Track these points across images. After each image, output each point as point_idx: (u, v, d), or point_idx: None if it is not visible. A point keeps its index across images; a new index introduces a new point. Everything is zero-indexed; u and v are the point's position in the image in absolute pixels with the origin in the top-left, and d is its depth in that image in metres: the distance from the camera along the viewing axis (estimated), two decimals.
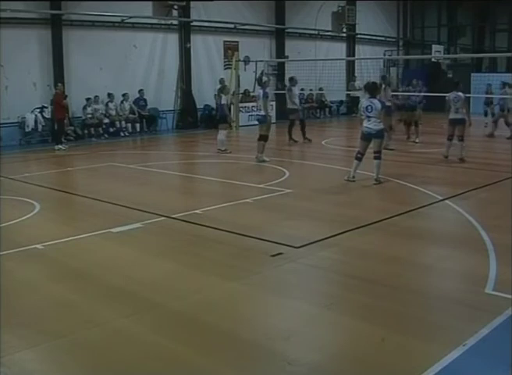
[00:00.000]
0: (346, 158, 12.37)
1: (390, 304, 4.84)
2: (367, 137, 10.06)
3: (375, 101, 9.99)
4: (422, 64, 28.29)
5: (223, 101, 14.21)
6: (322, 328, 4.52)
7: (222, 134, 13.89)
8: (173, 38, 20.04)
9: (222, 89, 14.58)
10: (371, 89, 10.18)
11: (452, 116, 12.35)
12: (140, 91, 18.62)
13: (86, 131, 17.43)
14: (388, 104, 12.98)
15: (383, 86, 13.58)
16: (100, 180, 11.17)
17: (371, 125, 9.90)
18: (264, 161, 12.20)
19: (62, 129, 15.84)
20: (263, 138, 12.36)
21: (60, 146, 15.31)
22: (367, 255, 6.15)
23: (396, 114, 15.08)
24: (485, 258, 5.83)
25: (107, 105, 17.98)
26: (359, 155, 10.07)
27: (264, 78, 12.87)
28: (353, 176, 10.01)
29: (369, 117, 9.90)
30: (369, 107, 9.89)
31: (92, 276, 5.58)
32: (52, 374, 3.88)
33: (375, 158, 9.98)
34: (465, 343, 4.01)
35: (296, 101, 16.07)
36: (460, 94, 12.29)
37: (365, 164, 10.12)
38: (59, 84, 15.69)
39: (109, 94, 17.88)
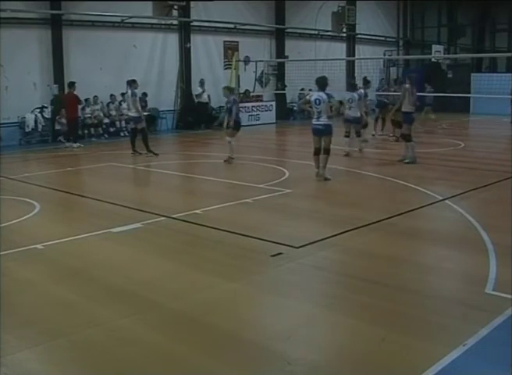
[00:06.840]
0: (346, 158, 12.38)
1: (390, 304, 4.83)
2: (316, 134, 10.09)
3: (322, 93, 9.88)
4: (422, 64, 28.29)
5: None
6: (322, 328, 4.52)
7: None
8: (173, 38, 20.05)
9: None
10: (322, 83, 10.02)
11: None
12: (144, 93, 18.61)
13: (86, 131, 17.45)
14: None
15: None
16: (100, 180, 11.17)
17: (320, 121, 9.87)
18: None
19: (75, 128, 15.93)
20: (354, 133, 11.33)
21: (72, 144, 15.41)
22: (367, 255, 6.14)
23: None
24: (485, 258, 5.83)
25: (108, 105, 17.99)
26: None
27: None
28: (322, 174, 9.95)
29: (319, 112, 9.85)
30: (317, 100, 9.86)
31: (92, 276, 5.57)
32: (52, 374, 3.88)
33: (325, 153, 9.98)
34: (465, 343, 4.01)
35: (139, 107, 13.45)
36: None
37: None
38: (75, 84, 15.60)
39: (111, 96, 17.92)
